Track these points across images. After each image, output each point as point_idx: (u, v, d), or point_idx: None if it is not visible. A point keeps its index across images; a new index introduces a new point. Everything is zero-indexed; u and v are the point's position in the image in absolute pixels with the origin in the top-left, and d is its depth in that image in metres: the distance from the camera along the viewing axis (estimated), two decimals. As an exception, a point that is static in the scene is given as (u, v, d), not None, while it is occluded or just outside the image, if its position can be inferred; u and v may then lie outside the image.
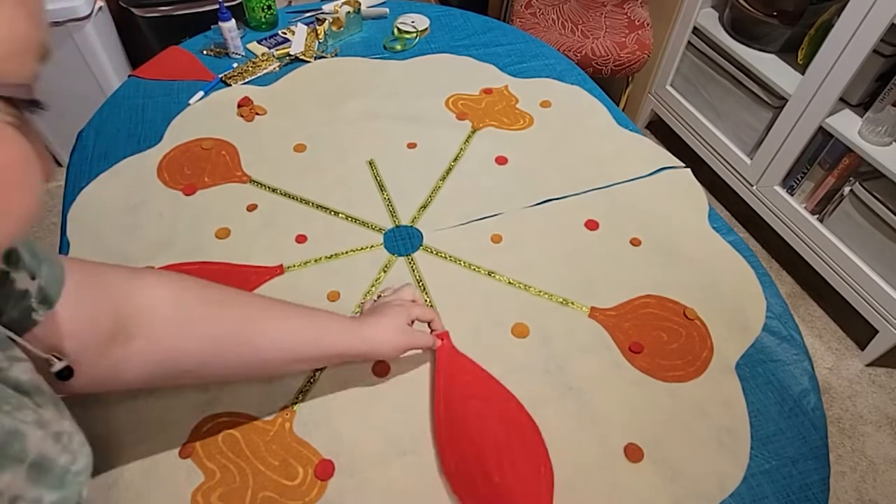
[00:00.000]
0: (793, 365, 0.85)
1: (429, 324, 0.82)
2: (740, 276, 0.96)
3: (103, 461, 0.73)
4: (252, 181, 1.08)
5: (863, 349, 1.83)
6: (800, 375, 0.83)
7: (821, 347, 1.86)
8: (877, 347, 1.76)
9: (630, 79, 2.34)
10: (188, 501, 0.69)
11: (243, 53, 1.37)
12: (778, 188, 1.90)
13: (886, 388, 1.76)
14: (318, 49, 1.39)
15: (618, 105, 1.33)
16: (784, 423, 0.79)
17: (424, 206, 1.05)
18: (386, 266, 0.95)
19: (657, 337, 0.87)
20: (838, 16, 1.55)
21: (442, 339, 0.83)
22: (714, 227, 1.03)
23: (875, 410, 1.70)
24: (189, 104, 1.23)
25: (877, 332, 1.74)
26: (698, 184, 1.10)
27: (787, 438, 0.77)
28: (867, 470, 1.58)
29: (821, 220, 1.82)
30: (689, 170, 1.12)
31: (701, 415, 0.79)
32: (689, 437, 0.76)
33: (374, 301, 0.84)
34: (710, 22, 2.03)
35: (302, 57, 1.36)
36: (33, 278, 0.51)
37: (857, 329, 1.87)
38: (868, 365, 1.81)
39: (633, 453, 0.74)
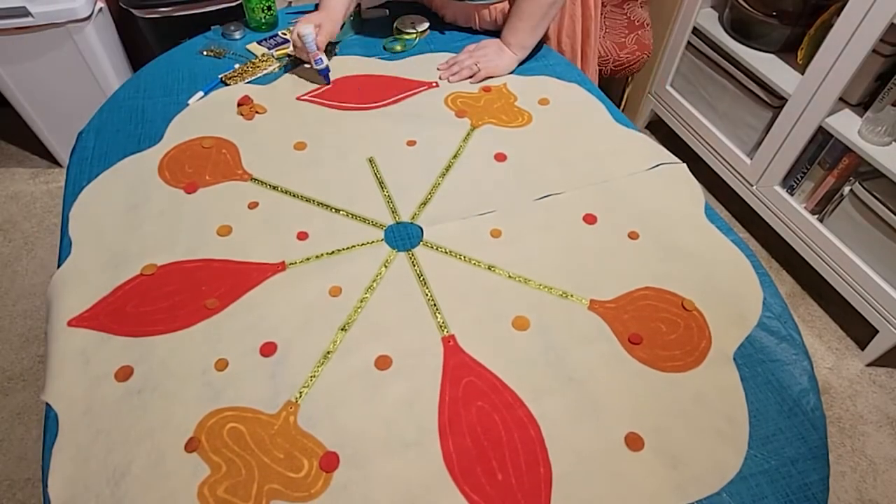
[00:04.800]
0: (792, 365, 0.85)
1: None
2: (736, 266, 0.97)
3: (110, 455, 0.73)
4: (253, 179, 1.08)
5: (863, 349, 1.83)
6: (799, 375, 0.84)
7: (821, 347, 1.86)
8: (877, 347, 1.76)
9: (630, 79, 2.35)
10: (195, 494, 0.70)
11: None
12: (778, 188, 1.91)
13: (886, 388, 1.76)
14: (318, 49, 1.40)
15: (618, 105, 1.34)
16: (783, 422, 0.79)
17: (424, 203, 1.05)
18: (387, 261, 0.96)
19: (656, 328, 0.87)
20: (838, 16, 1.55)
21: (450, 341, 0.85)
22: (711, 222, 1.03)
23: (875, 410, 1.70)
24: (188, 104, 1.24)
25: (877, 332, 1.74)
26: (694, 178, 1.11)
27: (786, 438, 0.77)
28: (867, 470, 1.58)
29: (821, 220, 1.82)
30: (684, 165, 1.13)
31: (700, 404, 0.79)
32: (688, 425, 0.77)
33: None
34: (710, 22, 2.04)
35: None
36: None
37: (857, 329, 1.87)
38: (868, 365, 1.81)
39: (633, 442, 0.75)
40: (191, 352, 0.83)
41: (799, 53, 1.80)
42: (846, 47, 1.55)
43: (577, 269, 0.95)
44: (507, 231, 1.00)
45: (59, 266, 0.95)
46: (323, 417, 0.77)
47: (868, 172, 1.67)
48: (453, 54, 1.37)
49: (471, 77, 1.32)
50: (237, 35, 1.44)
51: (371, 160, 1.13)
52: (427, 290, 0.92)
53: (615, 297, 0.91)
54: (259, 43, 1.41)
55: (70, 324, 0.86)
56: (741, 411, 0.79)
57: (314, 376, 0.81)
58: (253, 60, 1.36)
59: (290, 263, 0.95)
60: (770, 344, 0.87)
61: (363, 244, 0.98)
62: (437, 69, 1.35)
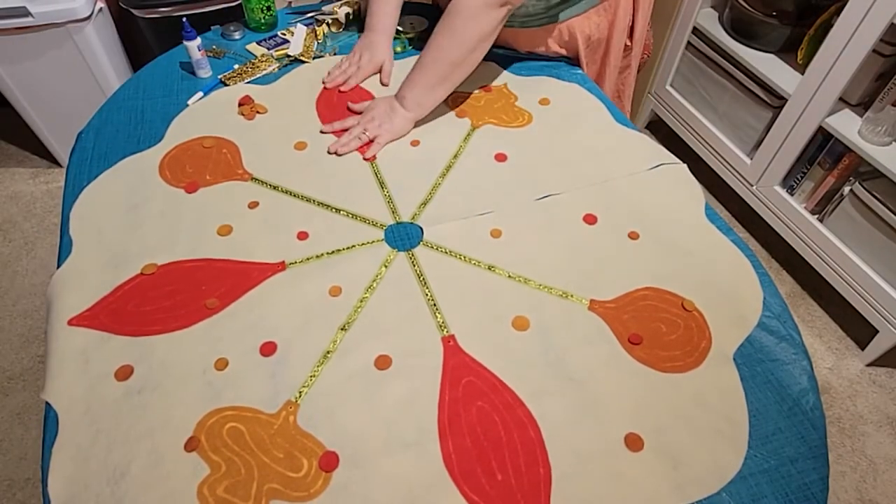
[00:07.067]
0: (792, 364, 0.85)
1: None
2: (736, 267, 0.97)
3: (110, 455, 0.73)
4: (253, 179, 1.08)
5: (863, 349, 1.83)
6: (799, 375, 0.84)
7: (821, 347, 1.86)
8: (877, 347, 1.76)
9: (630, 80, 2.34)
10: (195, 494, 0.70)
11: (211, 73, 1.33)
12: (778, 188, 1.91)
13: (886, 388, 1.76)
14: (316, 50, 1.39)
15: (617, 104, 1.33)
16: (783, 422, 0.79)
17: (425, 203, 1.05)
18: (387, 261, 0.95)
19: (656, 328, 0.87)
20: (838, 15, 1.55)
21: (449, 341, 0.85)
22: (711, 222, 1.03)
23: (875, 410, 1.70)
24: (188, 105, 1.24)
25: (877, 331, 1.74)
26: (694, 179, 1.11)
27: (786, 438, 0.77)
28: (867, 470, 1.58)
29: (821, 220, 1.82)
30: (685, 165, 1.13)
31: (700, 404, 0.79)
32: (688, 426, 0.77)
33: None
34: (710, 22, 2.04)
35: (300, 58, 1.37)
36: None
37: (857, 329, 1.88)
38: (868, 365, 1.81)
39: (633, 443, 0.75)
40: (191, 351, 0.83)
41: (799, 53, 1.80)
42: (846, 47, 1.55)
43: (577, 269, 0.95)
44: (507, 231, 1.00)
45: (59, 266, 0.95)
46: (323, 417, 0.77)
47: (868, 172, 1.68)
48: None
49: (366, 147, 1.16)
50: (237, 35, 1.44)
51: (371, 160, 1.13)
52: (427, 290, 0.92)
53: (615, 298, 0.91)
54: (259, 43, 1.41)
55: (70, 323, 0.86)
56: (741, 411, 0.79)
57: (314, 376, 0.81)
58: (252, 61, 1.35)
59: (291, 263, 0.95)
60: (770, 344, 0.87)
61: (363, 244, 0.98)
62: (329, 149, 1.15)
